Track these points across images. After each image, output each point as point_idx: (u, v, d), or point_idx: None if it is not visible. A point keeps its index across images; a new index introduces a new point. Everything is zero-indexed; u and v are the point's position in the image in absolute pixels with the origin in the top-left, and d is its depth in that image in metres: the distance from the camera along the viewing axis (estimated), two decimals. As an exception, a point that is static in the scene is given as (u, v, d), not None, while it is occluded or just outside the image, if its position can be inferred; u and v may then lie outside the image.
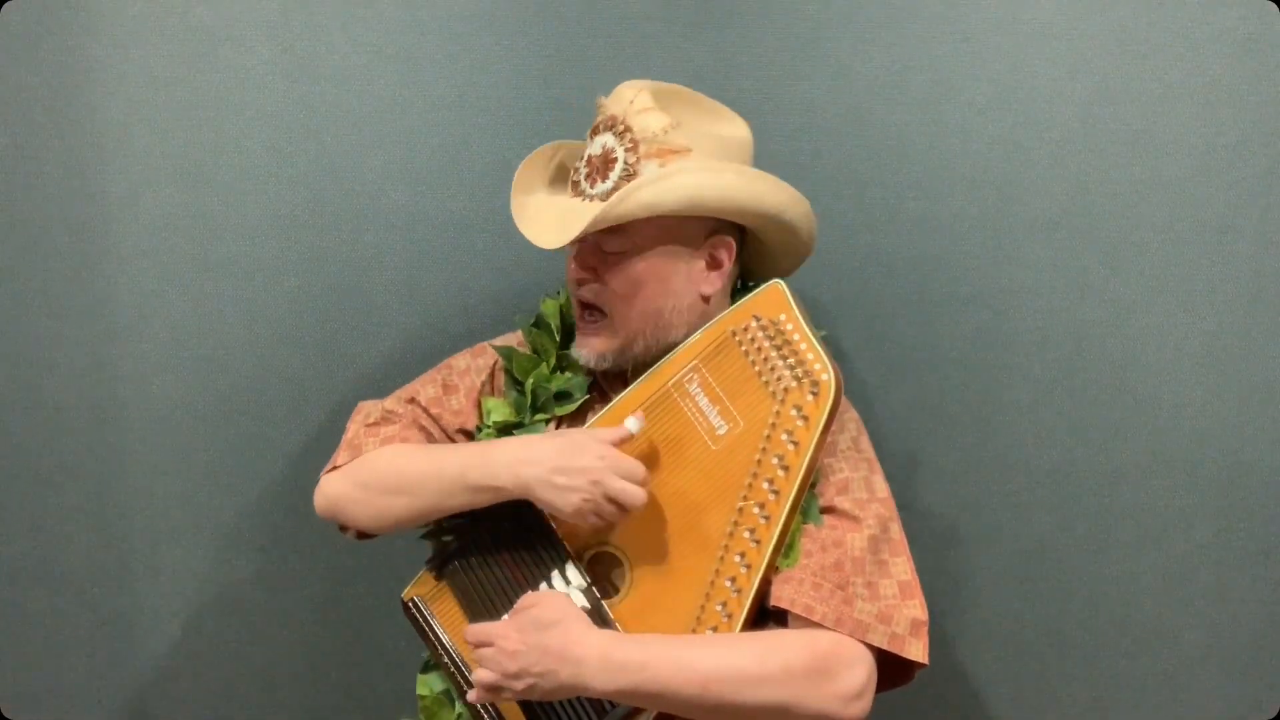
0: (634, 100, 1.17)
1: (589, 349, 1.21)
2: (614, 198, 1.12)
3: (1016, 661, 1.55)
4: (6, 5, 1.52)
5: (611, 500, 1.10)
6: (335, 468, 1.27)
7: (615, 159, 1.17)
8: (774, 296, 1.16)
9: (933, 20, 1.47)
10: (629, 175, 1.15)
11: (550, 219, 1.19)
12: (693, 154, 1.17)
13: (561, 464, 1.11)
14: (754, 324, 1.16)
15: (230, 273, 1.58)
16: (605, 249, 1.18)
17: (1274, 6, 1.40)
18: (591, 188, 1.18)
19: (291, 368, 1.60)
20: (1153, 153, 1.45)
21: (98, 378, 1.60)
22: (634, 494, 1.10)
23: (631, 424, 1.13)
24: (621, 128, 1.17)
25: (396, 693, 1.63)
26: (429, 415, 1.29)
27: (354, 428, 1.30)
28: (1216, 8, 1.41)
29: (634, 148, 1.16)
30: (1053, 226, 1.47)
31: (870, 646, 1.09)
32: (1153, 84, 1.43)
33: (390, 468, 1.22)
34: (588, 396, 1.26)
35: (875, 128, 1.50)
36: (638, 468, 1.11)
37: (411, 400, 1.30)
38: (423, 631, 1.26)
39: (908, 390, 1.53)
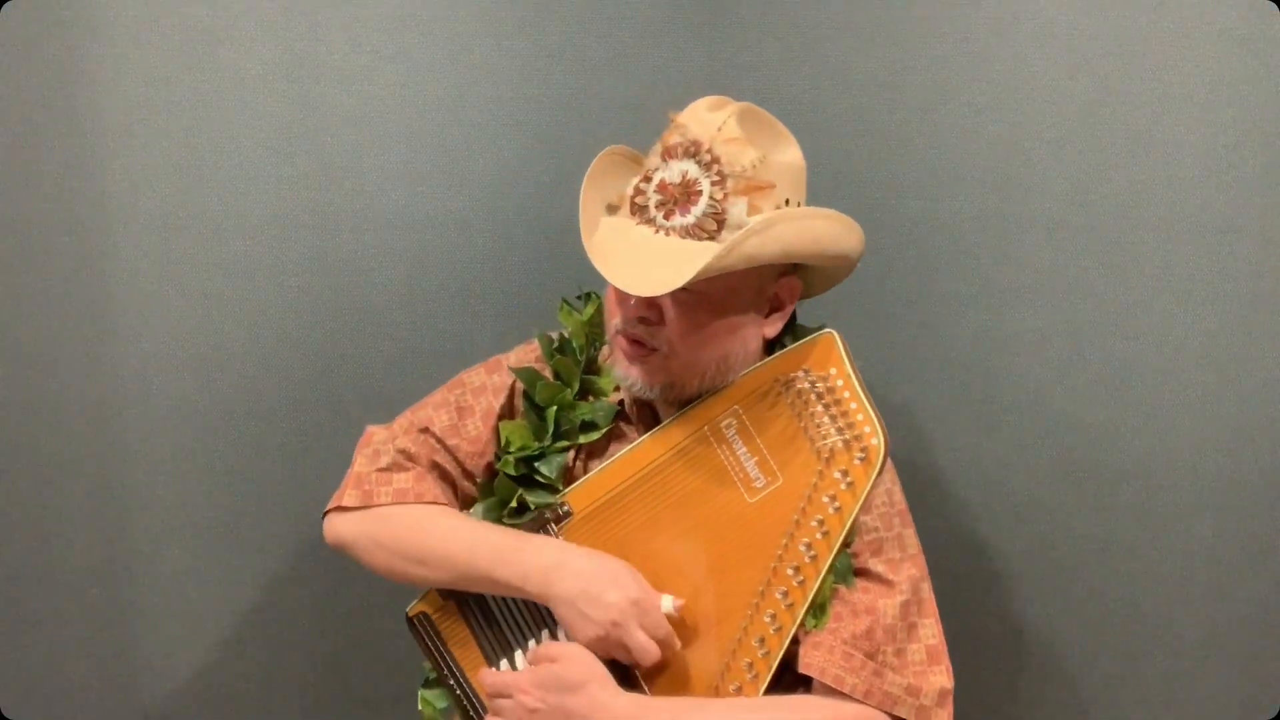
0: (722, 128, 1.08)
1: (635, 375, 1.13)
2: (721, 249, 1.03)
3: (1016, 661, 1.55)
4: (6, 5, 1.52)
5: (624, 647, 1.08)
6: (343, 507, 1.22)
7: (699, 191, 1.07)
8: (827, 348, 1.11)
9: (933, 20, 1.47)
10: (717, 214, 1.07)
11: (629, 257, 1.08)
12: (776, 190, 1.09)
13: (593, 590, 1.07)
14: (802, 375, 1.11)
15: (230, 273, 1.58)
16: (676, 293, 1.07)
17: (1274, 6, 1.40)
18: (667, 219, 1.08)
19: (291, 368, 1.60)
20: (1153, 153, 1.44)
21: (98, 378, 1.60)
22: (649, 652, 1.07)
23: (667, 604, 1.09)
24: (707, 158, 1.07)
25: (396, 693, 1.62)
26: (444, 447, 1.23)
27: (363, 463, 1.24)
28: (1216, 8, 1.41)
29: (721, 182, 1.07)
30: (1053, 226, 1.47)
31: (895, 717, 1.08)
32: (1153, 84, 1.43)
33: (410, 534, 1.18)
34: (612, 425, 1.21)
35: (875, 128, 1.50)
36: (662, 626, 1.08)
37: (425, 430, 1.24)
38: (427, 648, 1.23)
39: (908, 390, 1.53)
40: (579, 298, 1.28)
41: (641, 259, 1.07)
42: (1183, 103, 1.43)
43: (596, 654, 1.09)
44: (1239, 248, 1.44)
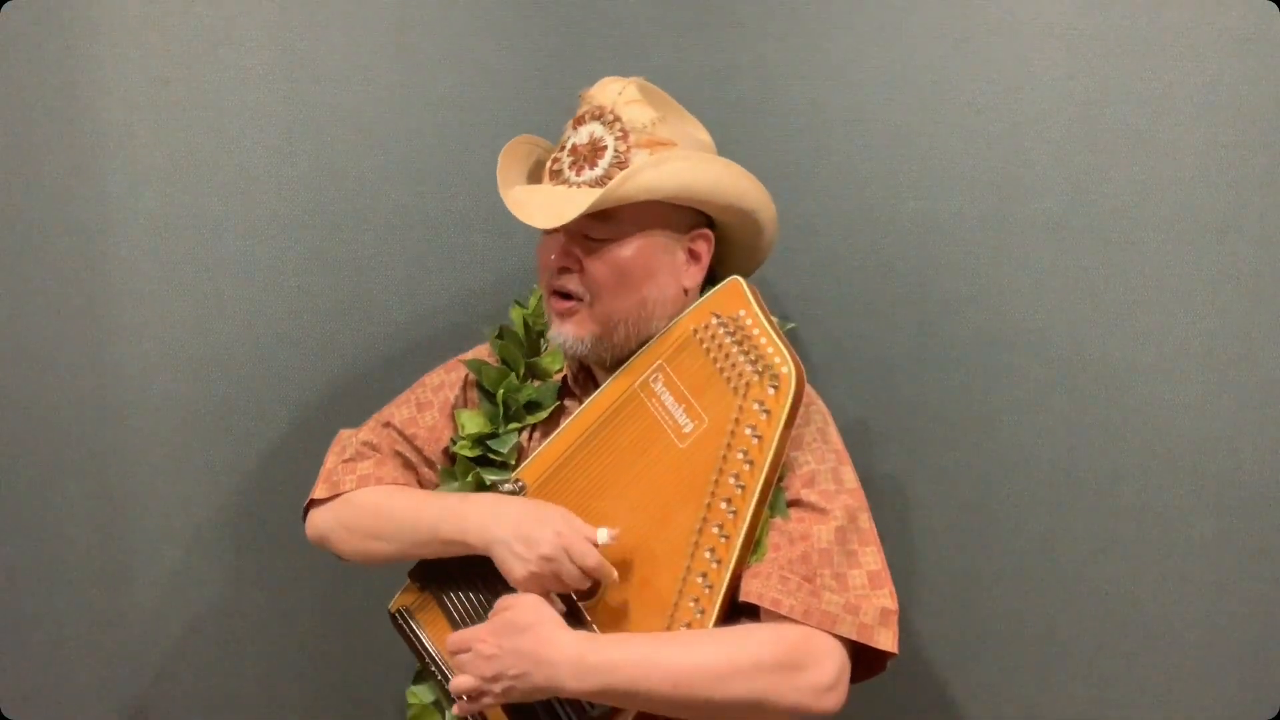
0: (622, 92, 1.19)
1: (566, 331, 1.21)
2: (616, 179, 1.13)
3: (1016, 661, 1.55)
4: (6, 5, 1.52)
5: (557, 578, 1.12)
6: (314, 500, 1.31)
7: (605, 147, 1.18)
8: (733, 292, 1.17)
9: (933, 20, 1.47)
10: (621, 163, 1.16)
11: (540, 204, 1.19)
12: (678, 148, 1.19)
13: (523, 532, 1.13)
14: (714, 321, 1.17)
15: (230, 273, 1.58)
16: (592, 236, 1.18)
17: (1274, 6, 1.40)
18: (577, 175, 1.18)
19: (291, 368, 1.60)
20: (1153, 153, 1.44)
21: (98, 378, 1.60)
22: (575, 579, 1.12)
23: (603, 535, 1.13)
24: (611, 117, 1.18)
25: (395, 693, 1.62)
26: (404, 437, 1.31)
27: (332, 460, 1.33)
28: (1216, 8, 1.41)
29: (624, 137, 1.17)
30: (1053, 226, 1.47)
31: (840, 638, 1.09)
32: (1153, 84, 1.43)
33: (369, 513, 1.26)
34: (558, 404, 1.28)
35: (875, 128, 1.50)
36: (591, 555, 1.12)
37: (387, 424, 1.33)
38: (410, 642, 1.26)
39: (908, 390, 1.53)
40: (529, 297, 1.35)
41: (551, 204, 1.17)
42: (1183, 103, 1.43)
43: (533, 591, 1.14)
44: (1239, 248, 1.44)
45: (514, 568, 1.13)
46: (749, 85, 1.51)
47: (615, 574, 1.14)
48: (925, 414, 1.53)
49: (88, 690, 1.66)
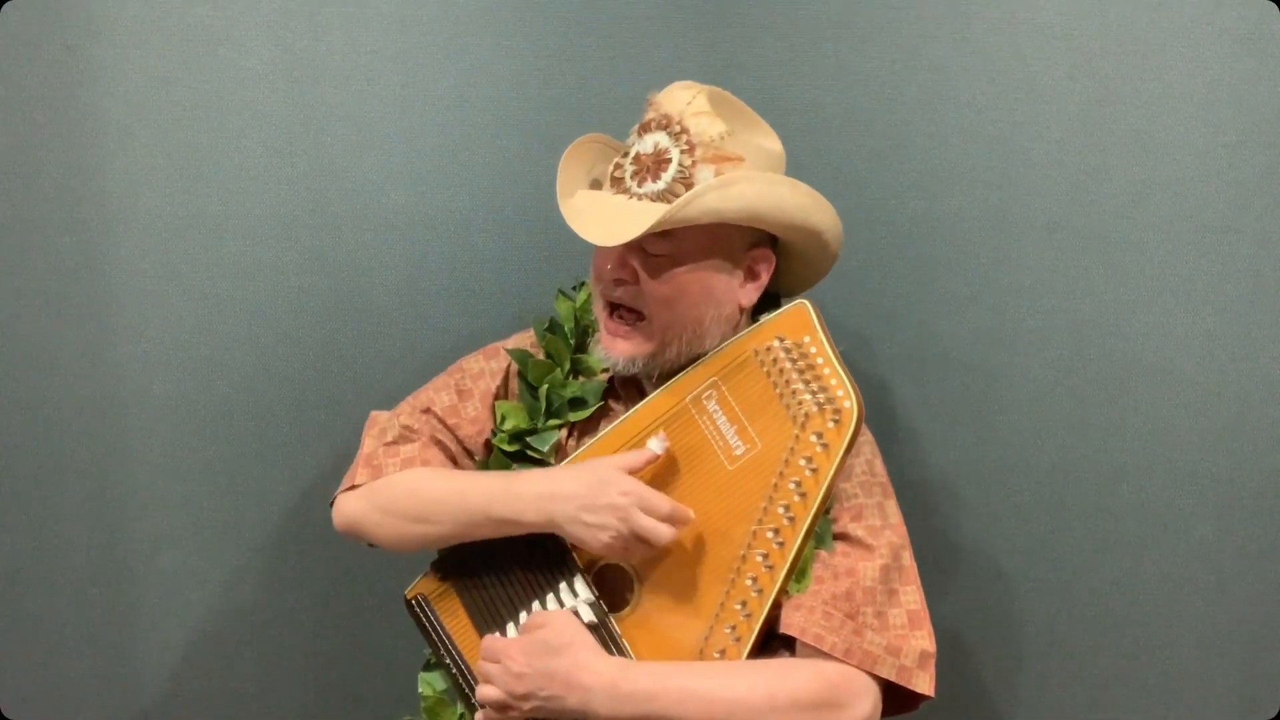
0: (691, 102, 1.15)
1: (618, 351, 1.18)
2: (680, 200, 1.09)
3: (1016, 661, 1.55)
4: (6, 5, 1.52)
5: (639, 537, 1.09)
6: (355, 486, 1.25)
7: (669, 160, 1.13)
8: (799, 317, 1.14)
9: (932, 20, 1.47)
10: (685, 179, 1.12)
11: (599, 217, 1.15)
12: (745, 163, 1.15)
13: (589, 501, 1.10)
14: (777, 344, 1.13)
15: (230, 273, 1.58)
16: (650, 251, 1.14)
17: (1274, 7, 1.40)
18: (639, 186, 1.14)
19: (291, 368, 1.60)
20: (1153, 153, 1.44)
21: (98, 378, 1.60)
22: (662, 532, 1.08)
23: (655, 445, 1.12)
24: (677, 129, 1.14)
25: (396, 693, 1.62)
26: (445, 426, 1.27)
27: (370, 443, 1.27)
28: (1216, 8, 1.41)
29: (690, 150, 1.13)
30: (1053, 226, 1.47)
31: (877, 677, 1.09)
32: (1153, 84, 1.43)
33: (410, 494, 1.21)
34: (602, 404, 1.25)
35: (875, 128, 1.50)
36: (663, 502, 1.10)
37: (427, 411, 1.28)
38: (426, 630, 1.25)
39: (908, 390, 1.53)
40: (574, 287, 1.32)
41: (612, 218, 1.13)
42: (1183, 103, 1.43)
43: (617, 558, 1.12)
44: (1239, 248, 1.44)
45: (593, 539, 1.10)
46: (749, 85, 1.50)
47: (692, 514, 1.11)
48: (925, 414, 1.53)
49: (88, 690, 1.66)
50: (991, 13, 1.46)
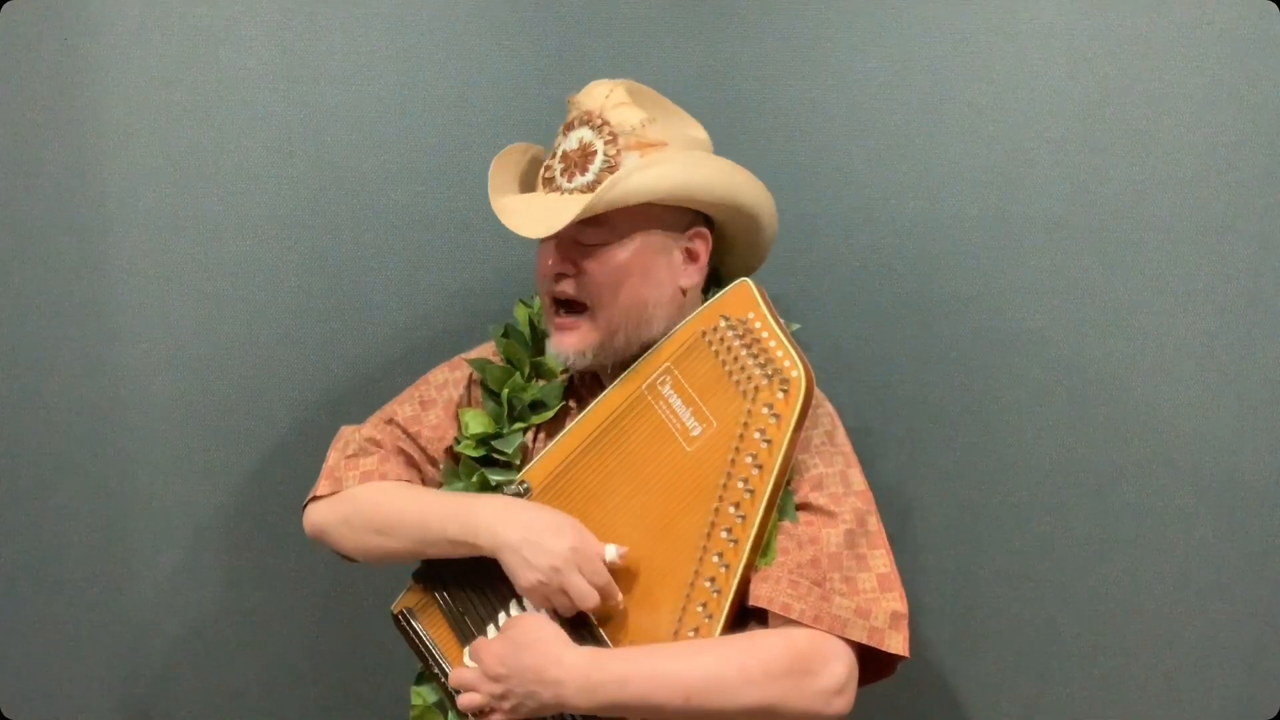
0: (609, 95, 1.18)
1: (567, 346, 1.19)
2: (605, 184, 1.11)
3: (1016, 661, 1.55)
4: (6, 5, 1.52)
5: (564, 592, 1.11)
6: (316, 497, 1.29)
7: (594, 152, 1.17)
8: (742, 295, 1.17)
9: (933, 20, 1.47)
10: (610, 167, 1.15)
11: (532, 215, 1.18)
12: (669, 147, 1.18)
13: (537, 539, 1.12)
14: (723, 324, 1.16)
15: (230, 273, 1.58)
16: (584, 241, 1.16)
17: (1274, 7, 1.40)
18: (569, 181, 1.17)
19: (291, 368, 1.60)
20: (1153, 153, 1.44)
21: (98, 378, 1.60)
22: (587, 596, 1.11)
23: (611, 552, 1.13)
24: (599, 121, 1.17)
25: (395, 693, 1.62)
26: (407, 435, 1.29)
27: (334, 456, 1.30)
28: (1216, 8, 1.41)
29: (613, 140, 1.16)
30: (1053, 226, 1.47)
31: (849, 641, 1.09)
32: (1153, 84, 1.43)
33: (375, 507, 1.23)
34: (563, 404, 1.27)
35: (875, 128, 1.50)
36: (601, 573, 1.12)
37: (390, 421, 1.30)
38: (412, 643, 1.26)
39: (908, 390, 1.53)
40: (534, 296, 1.33)
41: (543, 213, 1.16)
42: (1183, 103, 1.43)
43: (536, 601, 1.14)
44: (1239, 248, 1.44)
45: (522, 574, 1.12)
46: (749, 85, 1.51)
47: (620, 595, 1.13)
48: (925, 414, 1.53)
49: (88, 690, 1.66)
50: (991, 13, 1.46)
